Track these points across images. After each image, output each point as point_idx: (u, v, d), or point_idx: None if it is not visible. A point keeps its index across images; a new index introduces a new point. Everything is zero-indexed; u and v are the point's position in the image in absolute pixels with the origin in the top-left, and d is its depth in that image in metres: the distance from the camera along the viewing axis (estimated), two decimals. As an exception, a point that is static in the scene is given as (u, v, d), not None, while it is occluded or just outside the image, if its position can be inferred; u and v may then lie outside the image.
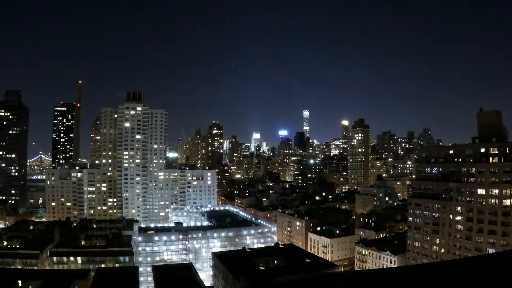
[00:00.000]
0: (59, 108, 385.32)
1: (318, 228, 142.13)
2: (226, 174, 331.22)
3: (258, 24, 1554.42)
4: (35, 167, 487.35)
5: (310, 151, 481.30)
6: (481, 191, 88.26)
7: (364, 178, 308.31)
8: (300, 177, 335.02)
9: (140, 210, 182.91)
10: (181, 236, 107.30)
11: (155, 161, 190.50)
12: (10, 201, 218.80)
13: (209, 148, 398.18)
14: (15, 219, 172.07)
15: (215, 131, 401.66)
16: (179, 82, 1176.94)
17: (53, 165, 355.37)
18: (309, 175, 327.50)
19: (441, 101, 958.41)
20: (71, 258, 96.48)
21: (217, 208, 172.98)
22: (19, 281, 66.26)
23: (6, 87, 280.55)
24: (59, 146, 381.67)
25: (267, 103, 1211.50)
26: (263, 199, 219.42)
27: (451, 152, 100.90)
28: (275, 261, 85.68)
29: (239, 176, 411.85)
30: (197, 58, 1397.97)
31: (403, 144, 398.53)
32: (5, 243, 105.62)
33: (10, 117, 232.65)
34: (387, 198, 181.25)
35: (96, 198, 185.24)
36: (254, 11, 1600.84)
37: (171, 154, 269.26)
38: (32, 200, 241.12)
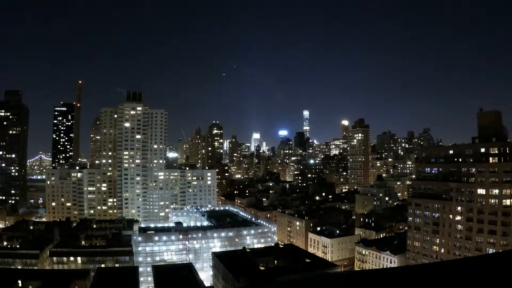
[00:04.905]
0: (59, 108, 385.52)
1: (318, 228, 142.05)
2: (226, 174, 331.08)
3: (259, 23, 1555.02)
4: (35, 167, 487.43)
5: (310, 151, 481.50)
6: (481, 191, 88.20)
7: (364, 178, 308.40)
8: (300, 177, 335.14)
9: (140, 210, 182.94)
10: (181, 236, 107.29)
11: (155, 161, 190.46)
12: (10, 201, 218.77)
13: (209, 148, 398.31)
14: (15, 219, 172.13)
15: (215, 131, 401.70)
16: (179, 82, 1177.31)
17: (53, 165, 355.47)
18: (309, 175, 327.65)
19: (441, 101, 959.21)
20: (71, 258, 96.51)
21: (217, 208, 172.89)
22: (19, 281, 66.25)
23: (6, 87, 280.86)
24: (59, 146, 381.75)
25: (267, 103, 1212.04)
26: (263, 199, 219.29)
27: (451, 152, 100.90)
28: (275, 261, 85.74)
29: (239, 176, 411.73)
30: (197, 58, 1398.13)
31: (403, 144, 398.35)
32: (5, 243, 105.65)
33: (10, 117, 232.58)
34: (387, 198, 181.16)
35: (96, 198, 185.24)
36: (254, 10, 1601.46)
37: (171, 154, 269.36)
38: (32, 200, 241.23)
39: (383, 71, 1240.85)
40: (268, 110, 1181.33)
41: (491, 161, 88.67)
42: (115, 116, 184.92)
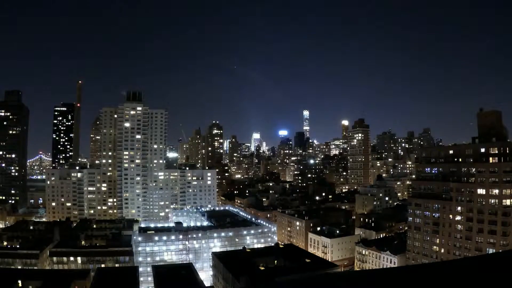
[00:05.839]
0: (59, 108, 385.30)
1: (318, 228, 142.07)
2: (226, 174, 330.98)
3: (258, 23, 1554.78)
4: (35, 167, 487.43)
5: (310, 151, 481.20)
6: (481, 191, 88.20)
7: (364, 178, 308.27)
8: (300, 177, 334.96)
9: (140, 210, 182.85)
10: (181, 236, 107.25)
11: (155, 161, 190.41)
12: (10, 201, 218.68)
13: (209, 148, 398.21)
14: (15, 219, 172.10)
15: (215, 131, 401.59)
16: (179, 82, 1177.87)
17: (53, 165, 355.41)
18: (309, 175, 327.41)
19: (441, 100, 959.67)
20: (71, 258, 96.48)
21: (217, 208, 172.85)
22: (19, 281, 66.25)
23: (6, 87, 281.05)
24: (59, 146, 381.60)
25: (267, 103, 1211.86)
26: (263, 199, 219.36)
27: (451, 152, 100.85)
28: (275, 261, 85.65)
29: (239, 176, 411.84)
30: (197, 58, 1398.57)
31: (403, 144, 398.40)
32: (5, 243, 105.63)
33: (10, 117, 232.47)
34: (387, 198, 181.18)
35: (96, 198, 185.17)
36: (254, 10, 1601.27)
37: (171, 154, 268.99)
38: (32, 200, 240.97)
39: (383, 71, 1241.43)
40: (268, 110, 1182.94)
41: (491, 161, 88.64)
42: (115, 116, 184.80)
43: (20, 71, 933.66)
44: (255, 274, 72.14)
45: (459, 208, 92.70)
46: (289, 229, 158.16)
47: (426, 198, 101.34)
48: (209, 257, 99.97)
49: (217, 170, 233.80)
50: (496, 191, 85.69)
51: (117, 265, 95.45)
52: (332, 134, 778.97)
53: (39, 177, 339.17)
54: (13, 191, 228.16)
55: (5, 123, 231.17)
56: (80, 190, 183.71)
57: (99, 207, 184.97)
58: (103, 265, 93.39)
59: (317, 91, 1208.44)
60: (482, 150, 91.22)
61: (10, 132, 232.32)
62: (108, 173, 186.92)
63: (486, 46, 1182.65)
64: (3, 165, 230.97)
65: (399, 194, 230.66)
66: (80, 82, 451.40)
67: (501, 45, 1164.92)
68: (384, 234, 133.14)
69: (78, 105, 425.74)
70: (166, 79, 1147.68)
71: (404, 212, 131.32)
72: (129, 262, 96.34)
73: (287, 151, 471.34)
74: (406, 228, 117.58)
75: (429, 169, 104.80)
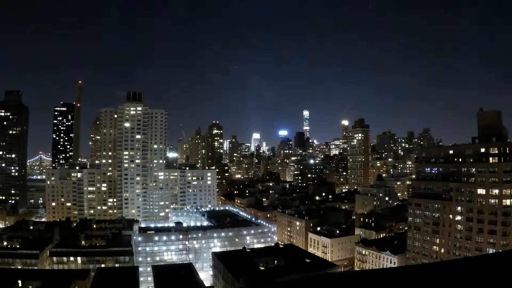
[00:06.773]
0: (59, 108, 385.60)
1: (318, 228, 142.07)
2: (226, 174, 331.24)
3: (258, 23, 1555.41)
4: (35, 167, 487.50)
5: (310, 151, 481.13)
6: (481, 191, 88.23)
7: (364, 178, 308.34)
8: (300, 177, 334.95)
9: (140, 210, 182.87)
10: (181, 236, 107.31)
11: (155, 161, 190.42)
12: (10, 201, 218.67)
13: (209, 148, 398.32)
14: (15, 219, 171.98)
15: (215, 131, 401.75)
16: (179, 82, 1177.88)
17: (53, 165, 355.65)
18: (309, 175, 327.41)
19: (441, 100, 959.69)
20: (71, 258, 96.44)
21: (217, 208, 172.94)
22: (19, 281, 66.28)
23: (6, 87, 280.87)
24: (59, 146, 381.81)
25: (267, 103, 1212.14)
26: (263, 199, 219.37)
27: (451, 152, 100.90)
28: (275, 261, 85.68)
29: (239, 176, 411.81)
30: (197, 58, 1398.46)
31: (403, 144, 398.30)
32: (5, 243, 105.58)
33: (10, 117, 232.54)
34: (387, 198, 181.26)
35: (96, 198, 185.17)
36: (254, 9, 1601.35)
37: (171, 154, 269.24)
38: (32, 200, 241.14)
39: (383, 71, 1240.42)
40: (268, 110, 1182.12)
41: (491, 161, 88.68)
42: (115, 116, 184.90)
43: (20, 71, 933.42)
44: (255, 274, 72.18)
45: (459, 208, 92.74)
46: (289, 229, 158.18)
47: (426, 198, 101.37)
48: (209, 257, 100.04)
49: (217, 170, 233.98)
50: (496, 191, 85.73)
51: (117, 265, 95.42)
52: (332, 134, 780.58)
53: (39, 177, 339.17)
54: (13, 191, 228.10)
55: (5, 123, 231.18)
56: (80, 190, 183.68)
57: (99, 207, 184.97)
58: (103, 265, 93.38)
59: (317, 91, 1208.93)
60: (482, 150, 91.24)
61: (10, 132, 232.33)
62: (108, 173, 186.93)
63: (486, 46, 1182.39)
64: (3, 165, 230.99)
65: (399, 194, 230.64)
66: (80, 82, 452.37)
67: (501, 44, 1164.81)
68: (384, 234, 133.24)
69: (78, 105, 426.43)
70: (166, 79, 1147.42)
71: (404, 212, 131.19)
72: (129, 262, 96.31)
73: (287, 151, 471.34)
74: (406, 228, 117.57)
75: (429, 169, 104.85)
